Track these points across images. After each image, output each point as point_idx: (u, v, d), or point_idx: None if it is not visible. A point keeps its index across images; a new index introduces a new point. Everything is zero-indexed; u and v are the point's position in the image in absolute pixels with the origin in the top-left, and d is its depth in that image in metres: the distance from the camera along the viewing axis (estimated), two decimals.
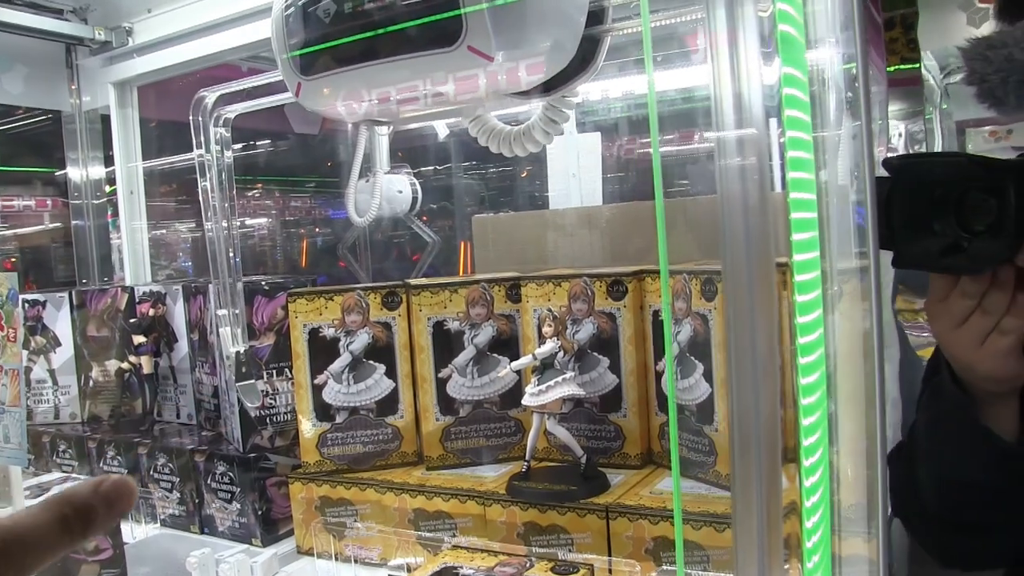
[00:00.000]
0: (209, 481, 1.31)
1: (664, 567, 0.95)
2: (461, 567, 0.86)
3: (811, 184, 0.52)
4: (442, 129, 2.42)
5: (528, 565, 0.86)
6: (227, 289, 0.92)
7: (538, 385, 1.05)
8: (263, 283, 1.30)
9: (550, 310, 1.10)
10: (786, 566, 0.58)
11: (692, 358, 1.04)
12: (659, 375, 1.11)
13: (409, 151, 2.35)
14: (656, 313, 1.10)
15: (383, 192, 2.16)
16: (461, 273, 2.48)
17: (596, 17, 0.56)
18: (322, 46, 0.53)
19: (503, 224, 1.49)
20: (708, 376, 1.02)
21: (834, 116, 0.55)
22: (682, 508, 0.96)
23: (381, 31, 0.50)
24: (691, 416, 1.05)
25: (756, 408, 0.52)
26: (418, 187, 2.18)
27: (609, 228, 1.44)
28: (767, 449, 0.52)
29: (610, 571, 0.95)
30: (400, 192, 2.22)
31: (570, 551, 1.00)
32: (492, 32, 0.49)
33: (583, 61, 0.56)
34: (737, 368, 0.52)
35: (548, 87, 0.56)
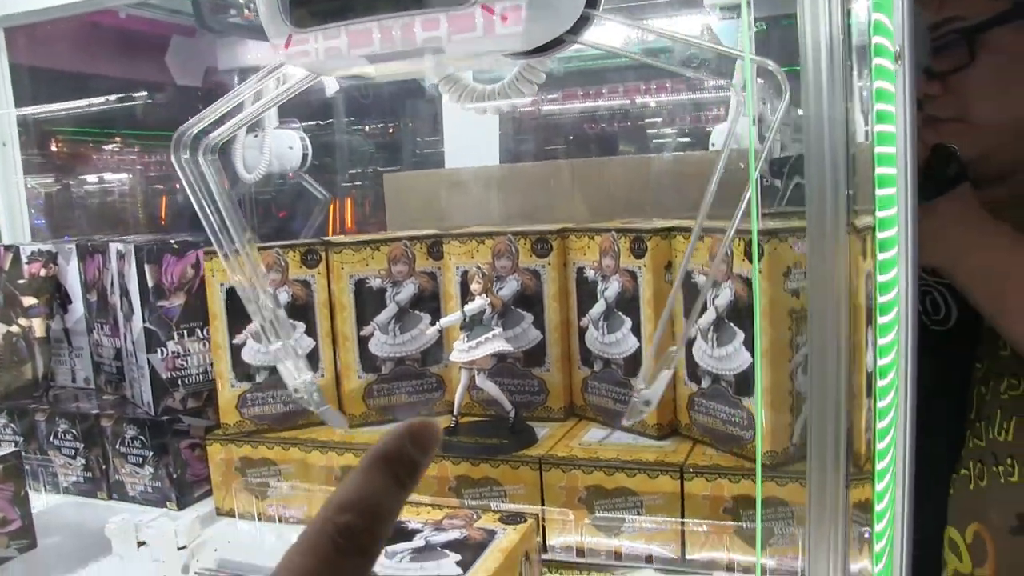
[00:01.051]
0: (118, 446, 1.27)
1: (597, 514, 0.98)
2: (408, 522, 0.87)
3: (892, 137, 0.54)
4: (331, 84, 2.38)
5: (475, 517, 0.88)
6: (277, 322, 0.89)
7: (467, 341, 1.06)
8: (172, 241, 1.25)
9: (479, 267, 1.11)
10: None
11: (620, 313, 1.07)
12: (582, 331, 1.13)
13: (295, 107, 2.29)
14: (580, 270, 1.12)
15: (273, 148, 2.12)
16: (331, 232, 2.45)
17: None
18: None
19: (415, 182, 1.49)
20: (636, 331, 1.05)
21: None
22: (616, 457, 0.99)
23: None
24: (617, 369, 1.08)
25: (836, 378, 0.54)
26: (308, 143, 2.14)
27: (522, 186, 1.46)
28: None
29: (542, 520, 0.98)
30: (291, 148, 2.18)
31: (503, 502, 1.02)
32: None
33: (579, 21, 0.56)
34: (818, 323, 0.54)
35: (543, 48, 0.57)
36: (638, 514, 0.97)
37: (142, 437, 1.25)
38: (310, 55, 0.56)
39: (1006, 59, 0.98)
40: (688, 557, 0.96)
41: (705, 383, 1.02)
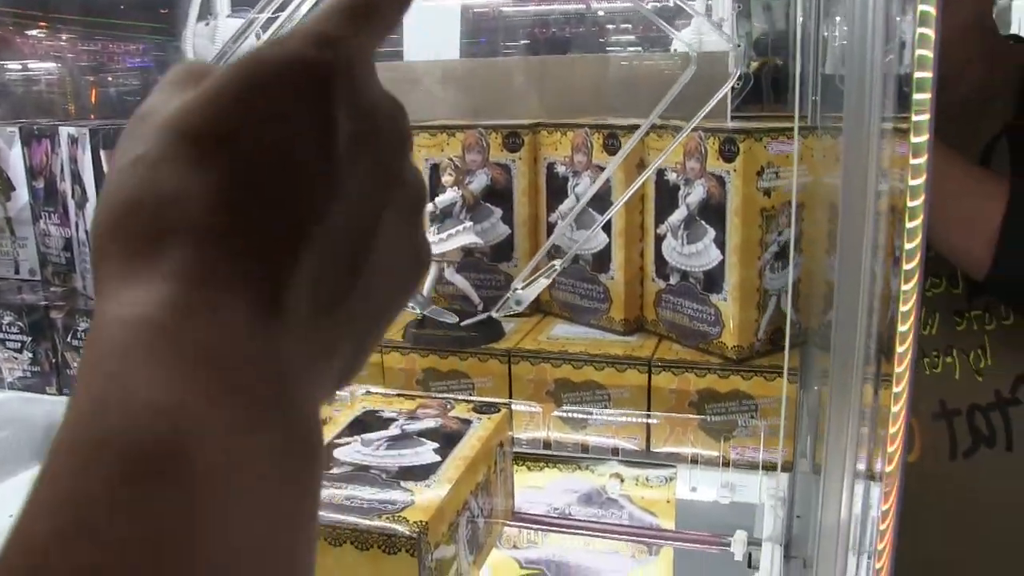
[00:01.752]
0: (70, 339, 1.25)
1: (565, 406, 1.00)
2: (382, 411, 0.87)
3: (931, 40, 0.53)
4: None
5: (449, 407, 0.88)
6: None
7: (438, 234, 1.05)
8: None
9: (451, 159, 1.09)
10: None
11: (591, 210, 1.06)
12: (550, 227, 1.13)
13: None
14: (551, 166, 1.12)
15: (224, 37, 2.04)
16: None
17: None
18: None
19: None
20: (607, 228, 1.05)
21: None
22: (584, 350, 1.00)
23: None
24: (586, 265, 1.08)
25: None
26: (261, 33, 2.07)
27: (483, 82, 1.43)
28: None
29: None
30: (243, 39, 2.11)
31: (471, 395, 1.02)
32: None
33: None
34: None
35: None
36: (605, 407, 0.98)
37: None
38: None
39: None
40: (653, 449, 0.98)
41: (673, 280, 1.02)
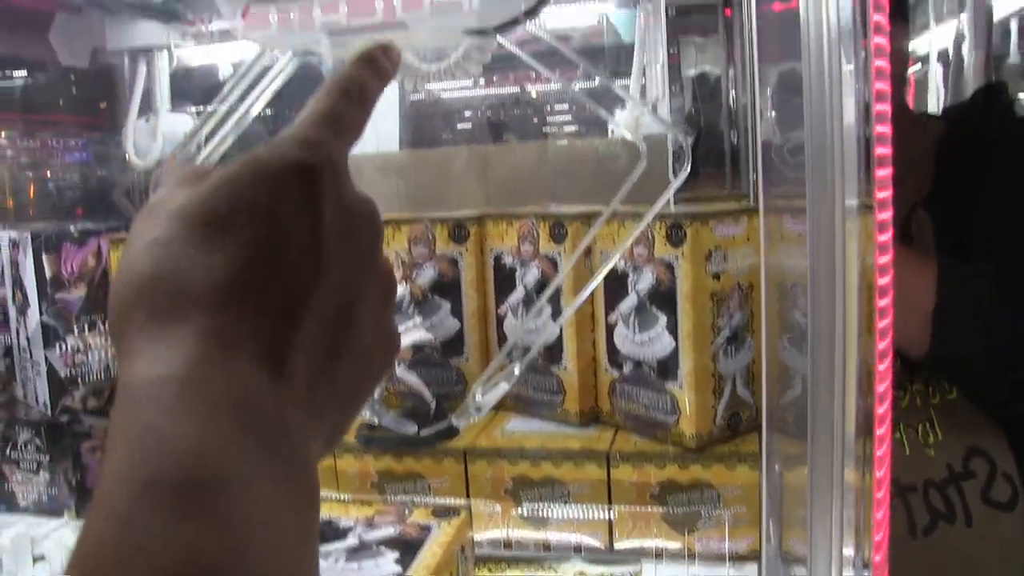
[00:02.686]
0: (8, 451, 1.20)
1: (523, 504, 0.98)
2: (338, 519, 0.85)
3: (887, 116, 0.54)
4: (226, 68, 2.30)
5: (407, 512, 0.86)
6: None
7: None
8: (72, 229, 1.19)
9: (397, 253, 1.08)
10: None
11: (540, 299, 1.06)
12: (500, 319, 1.12)
13: (187, 91, 2.21)
14: (498, 257, 1.11)
15: (165, 133, 2.04)
16: None
17: None
18: None
19: None
20: (555, 317, 1.05)
21: None
22: (541, 446, 0.99)
23: None
24: (538, 357, 1.07)
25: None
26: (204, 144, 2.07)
27: (425, 172, 1.44)
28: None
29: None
30: (184, 133, 2.10)
31: (427, 497, 1.00)
32: None
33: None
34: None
35: (499, 26, 0.55)
36: (565, 503, 0.97)
37: (37, 440, 1.18)
38: (267, 28, 0.53)
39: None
40: (616, 545, 0.96)
41: (627, 368, 1.02)
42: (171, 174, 0.35)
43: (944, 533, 1.06)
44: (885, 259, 0.57)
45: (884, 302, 0.59)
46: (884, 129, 0.57)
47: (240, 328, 0.29)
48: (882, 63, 0.55)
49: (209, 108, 0.71)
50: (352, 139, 0.36)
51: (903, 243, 1.09)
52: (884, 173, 0.55)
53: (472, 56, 0.60)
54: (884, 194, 0.55)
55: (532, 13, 0.55)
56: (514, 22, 0.55)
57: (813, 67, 0.56)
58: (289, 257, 0.30)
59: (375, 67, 0.39)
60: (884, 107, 0.54)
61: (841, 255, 0.59)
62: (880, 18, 0.55)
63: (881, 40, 0.53)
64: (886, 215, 0.57)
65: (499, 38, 0.59)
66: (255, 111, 0.77)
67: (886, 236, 0.58)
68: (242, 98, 0.77)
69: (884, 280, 0.59)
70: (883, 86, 0.56)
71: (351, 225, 0.33)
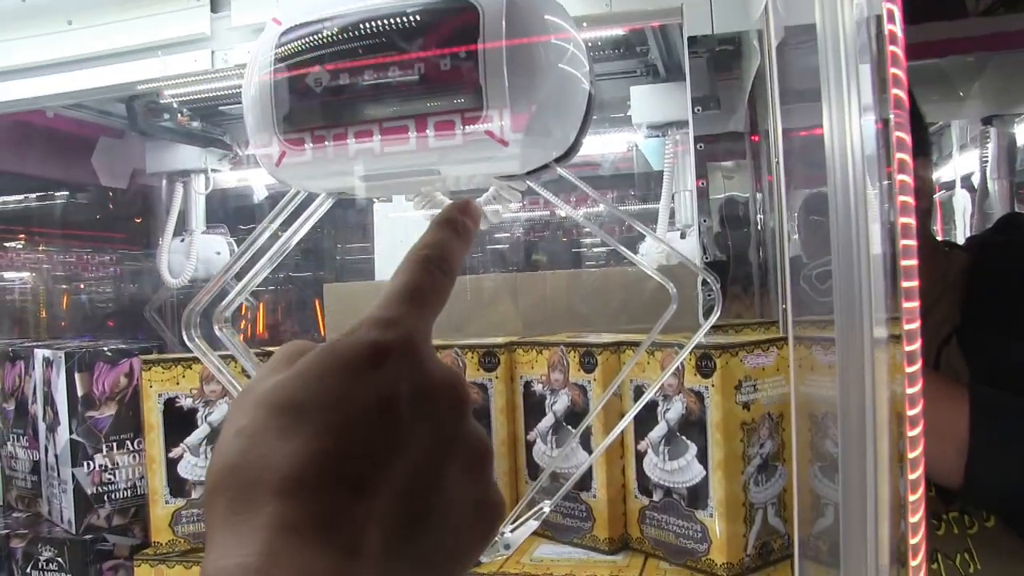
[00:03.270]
0: (29, 570, 1.19)
1: None
2: None
3: (913, 251, 0.56)
4: (260, 191, 2.37)
5: None
6: None
7: None
8: (105, 348, 1.21)
9: None
10: None
11: (567, 427, 1.07)
12: (528, 445, 1.13)
13: (224, 213, 2.27)
14: (527, 384, 1.12)
15: (199, 253, 2.09)
16: (242, 340, 2.42)
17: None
18: (324, 119, 0.52)
19: (354, 292, 1.48)
20: (586, 445, 1.05)
21: None
22: (570, 573, 0.98)
23: (393, 107, 0.50)
24: (563, 480, 1.07)
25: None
26: (235, 248, 2.12)
27: (458, 298, 1.46)
28: None
29: None
30: (218, 254, 2.16)
31: None
32: (511, 117, 0.50)
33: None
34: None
35: (530, 172, 0.58)
36: None
37: (60, 559, 1.17)
38: (302, 172, 0.56)
39: None
40: None
41: (657, 496, 1.02)
42: (277, 352, 0.38)
43: None
44: (914, 390, 0.58)
45: (914, 432, 0.59)
46: (910, 263, 0.58)
47: (309, 515, 0.30)
48: (906, 198, 0.57)
49: (243, 246, 0.74)
50: (436, 308, 0.37)
51: (935, 372, 1.09)
52: (911, 305, 0.56)
53: (503, 195, 0.63)
54: (912, 326, 0.57)
55: (563, 159, 0.57)
56: (544, 168, 0.57)
57: (839, 194, 0.58)
58: (359, 440, 0.32)
59: (455, 228, 0.41)
60: (910, 241, 0.56)
61: (871, 386, 0.59)
62: (904, 156, 0.57)
63: (904, 177, 0.55)
64: (914, 346, 0.58)
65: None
66: (289, 246, 0.78)
67: (915, 367, 0.59)
68: (275, 235, 0.79)
69: (914, 411, 0.60)
70: (908, 220, 0.58)
71: (430, 398, 0.34)
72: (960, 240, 2.37)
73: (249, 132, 0.58)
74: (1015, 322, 1.07)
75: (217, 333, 0.62)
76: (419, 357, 0.34)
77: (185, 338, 0.62)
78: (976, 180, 2.36)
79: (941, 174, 2.79)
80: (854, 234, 0.58)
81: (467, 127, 0.50)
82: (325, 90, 0.53)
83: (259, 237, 0.74)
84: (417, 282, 0.37)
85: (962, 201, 2.54)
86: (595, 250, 3.12)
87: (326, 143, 0.54)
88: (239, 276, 0.65)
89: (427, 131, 0.51)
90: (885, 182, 0.57)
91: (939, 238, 1.90)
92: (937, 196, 2.93)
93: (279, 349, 0.38)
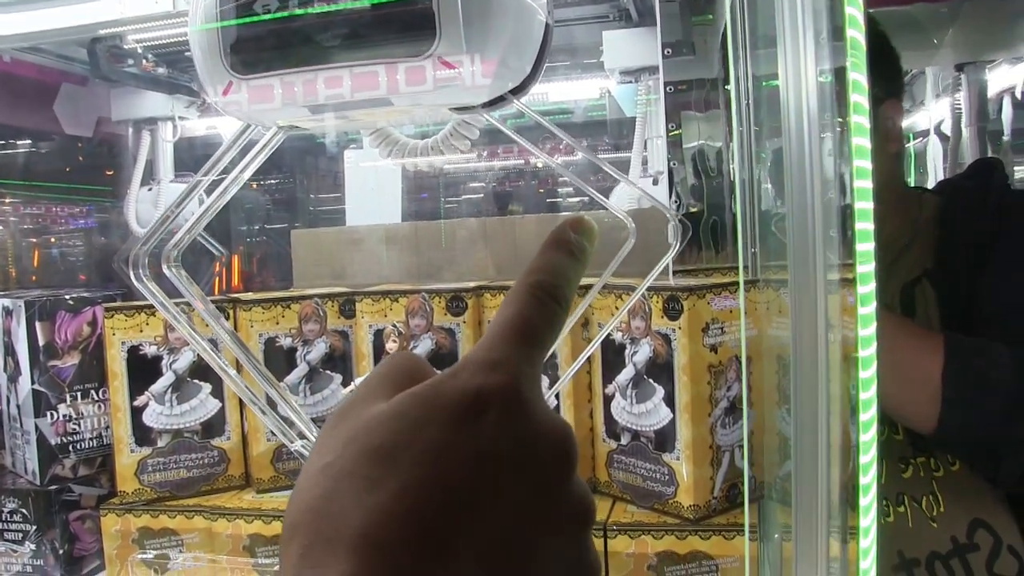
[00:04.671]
0: None
1: None
2: None
3: (868, 192, 0.55)
4: (228, 136, 2.33)
5: None
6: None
7: None
8: (67, 297, 1.19)
9: (395, 325, 1.09)
10: None
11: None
12: None
13: (191, 160, 2.23)
14: None
15: (167, 202, 2.06)
16: (217, 292, 2.39)
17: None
18: (269, 46, 0.50)
19: (322, 238, 1.45)
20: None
21: None
22: None
23: (342, 37, 0.49)
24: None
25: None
26: (204, 197, 2.09)
27: (429, 245, 1.45)
28: None
29: None
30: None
31: None
32: (464, 43, 0.48)
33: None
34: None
35: (486, 104, 0.56)
36: None
37: (24, 510, 1.16)
38: (247, 105, 0.54)
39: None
40: None
41: (624, 439, 1.02)
42: (380, 366, 0.36)
43: None
44: (867, 332, 0.57)
45: (867, 374, 0.59)
46: (864, 205, 0.57)
47: (384, 573, 0.28)
48: (861, 140, 0.56)
49: (187, 187, 0.72)
50: (548, 343, 0.35)
51: (908, 316, 1.09)
52: (865, 247, 0.55)
53: (460, 132, 0.61)
54: (865, 268, 0.56)
55: (519, 91, 0.56)
56: (501, 100, 0.56)
57: (794, 143, 0.57)
58: (450, 501, 0.30)
59: (569, 249, 0.38)
60: (864, 183, 0.55)
61: (824, 327, 0.59)
62: (859, 98, 0.56)
63: (860, 119, 0.54)
64: (867, 288, 0.58)
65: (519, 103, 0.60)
66: (241, 181, 0.77)
67: (868, 309, 0.58)
68: (226, 171, 0.77)
69: (866, 352, 0.59)
70: (863, 163, 0.57)
71: (531, 452, 0.32)
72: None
73: (196, 63, 0.57)
74: (985, 265, 1.07)
75: (165, 271, 0.61)
76: (524, 407, 0.32)
77: (133, 278, 0.61)
78: (948, 127, 2.36)
79: (916, 121, 2.79)
80: (808, 177, 0.57)
81: (420, 53, 0.49)
82: (273, 18, 0.51)
83: (207, 177, 0.72)
84: (527, 314, 0.35)
85: (935, 149, 2.55)
86: (570, 200, 3.11)
87: (274, 71, 0.52)
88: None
89: (377, 58, 0.50)
90: (838, 122, 0.56)
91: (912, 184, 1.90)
92: (912, 144, 2.94)
93: (385, 361, 0.36)
